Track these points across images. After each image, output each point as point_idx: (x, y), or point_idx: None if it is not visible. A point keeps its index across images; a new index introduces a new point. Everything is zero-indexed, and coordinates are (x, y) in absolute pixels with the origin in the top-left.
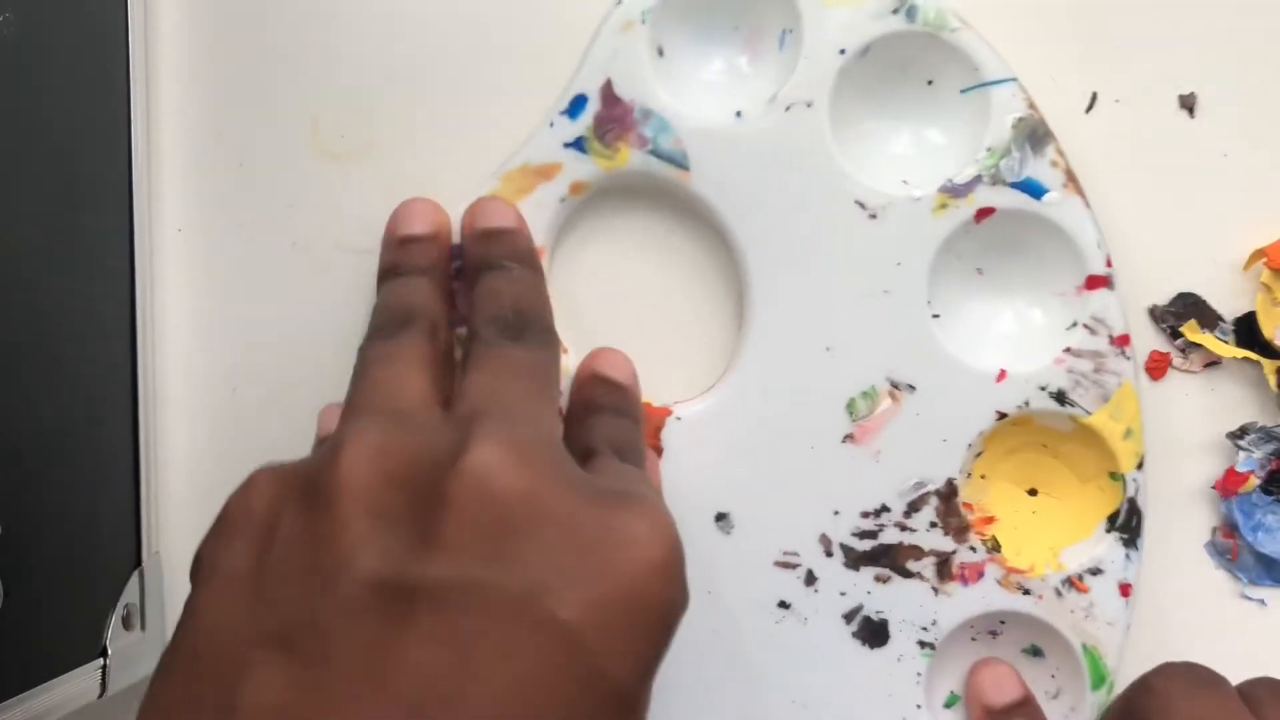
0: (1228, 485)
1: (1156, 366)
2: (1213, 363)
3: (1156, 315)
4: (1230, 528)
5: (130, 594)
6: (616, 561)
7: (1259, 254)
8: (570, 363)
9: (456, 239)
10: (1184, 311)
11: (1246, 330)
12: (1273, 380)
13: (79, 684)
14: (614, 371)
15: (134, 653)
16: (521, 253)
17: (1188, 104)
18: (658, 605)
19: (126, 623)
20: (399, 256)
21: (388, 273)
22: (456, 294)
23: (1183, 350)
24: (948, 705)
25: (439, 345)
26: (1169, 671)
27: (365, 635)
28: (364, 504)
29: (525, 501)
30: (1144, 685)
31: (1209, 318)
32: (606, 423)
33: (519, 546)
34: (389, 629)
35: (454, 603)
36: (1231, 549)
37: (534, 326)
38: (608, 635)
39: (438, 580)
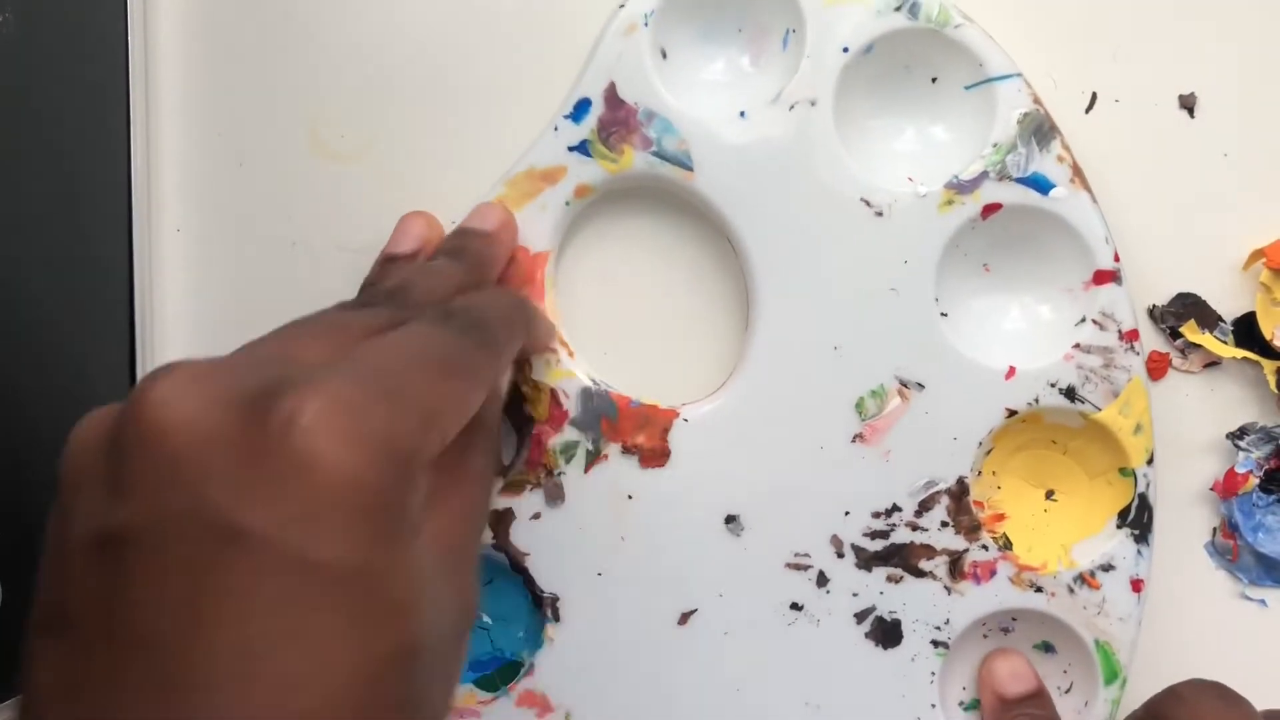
0: (1227, 487)
1: (1156, 367)
2: (1212, 363)
3: (1156, 315)
4: (1231, 528)
5: None
6: (280, 454)
7: (1258, 254)
8: (575, 367)
9: None
10: (1183, 311)
11: (1246, 330)
12: (1272, 380)
13: None
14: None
15: None
16: (462, 248)
17: (1188, 104)
18: (334, 479)
19: None
20: (374, 275)
21: (361, 289)
22: None
23: (1182, 350)
24: (966, 709)
25: None
26: (1197, 684)
27: (95, 593)
28: (77, 473)
29: (187, 429)
30: (1172, 692)
31: (1208, 318)
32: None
33: (188, 473)
34: (109, 582)
35: (153, 541)
36: (1232, 549)
37: (396, 299)
38: (299, 525)
39: (131, 524)
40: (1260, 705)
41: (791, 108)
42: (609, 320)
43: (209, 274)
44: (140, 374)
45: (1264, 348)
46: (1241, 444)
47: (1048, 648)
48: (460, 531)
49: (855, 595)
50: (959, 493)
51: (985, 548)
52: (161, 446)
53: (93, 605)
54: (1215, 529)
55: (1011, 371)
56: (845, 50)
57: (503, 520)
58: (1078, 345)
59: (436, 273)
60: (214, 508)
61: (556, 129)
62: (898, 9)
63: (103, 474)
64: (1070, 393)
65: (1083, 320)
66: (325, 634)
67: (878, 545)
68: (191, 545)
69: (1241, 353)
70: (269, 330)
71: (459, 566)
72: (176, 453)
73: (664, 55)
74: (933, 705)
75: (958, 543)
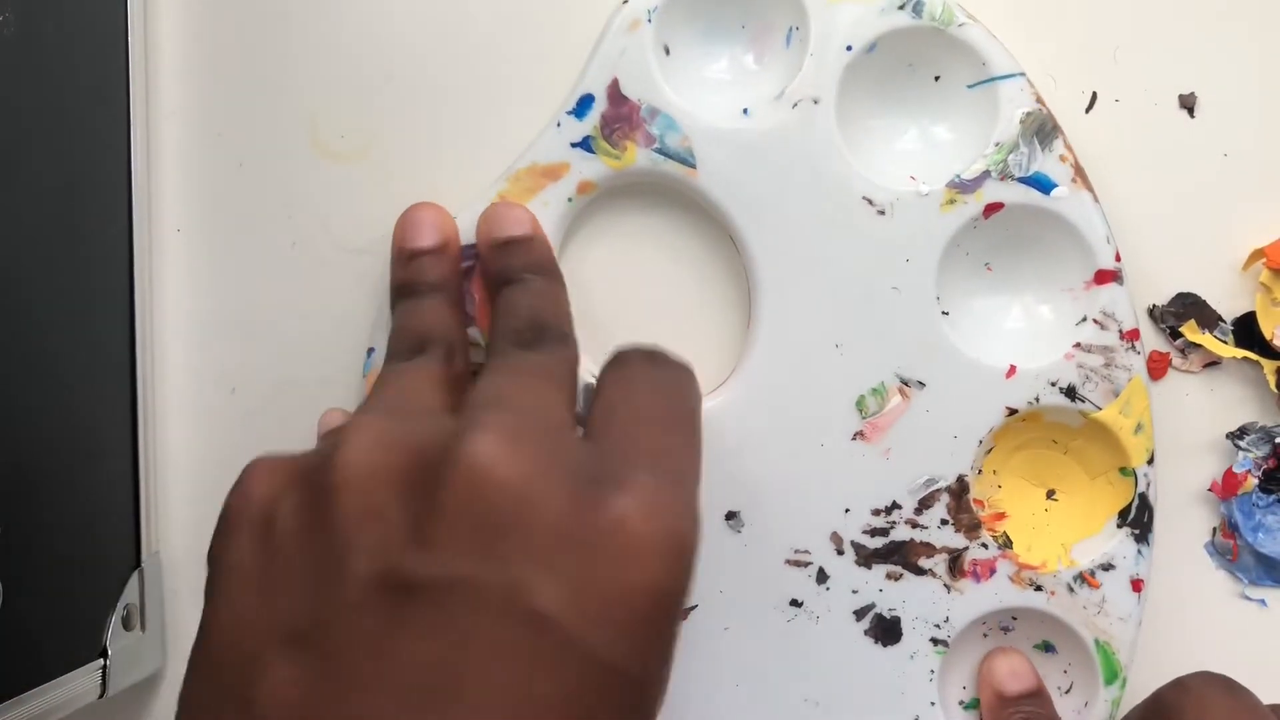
0: (1225, 487)
1: (1156, 367)
2: (1212, 363)
3: (1156, 315)
4: (1231, 528)
5: (130, 594)
6: (602, 550)
7: (1258, 254)
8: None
9: (465, 239)
10: (1183, 311)
11: (1246, 330)
12: (1272, 380)
13: (79, 684)
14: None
15: (134, 653)
16: (539, 263)
17: (1188, 104)
18: (647, 589)
19: (126, 623)
20: (411, 274)
21: (401, 291)
22: (465, 296)
23: (1182, 350)
24: (966, 708)
25: (455, 367)
26: (1204, 675)
27: (367, 630)
28: (363, 499)
29: (517, 496)
30: (1179, 684)
31: (1208, 318)
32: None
33: (508, 543)
34: (389, 624)
35: (447, 600)
36: (1232, 549)
37: (549, 335)
38: (598, 624)
39: (431, 578)
40: None
41: (794, 105)
42: (611, 317)
43: (209, 274)
44: (140, 374)
45: (1264, 348)
46: (1241, 444)
47: (1048, 647)
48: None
49: (855, 592)
50: (959, 491)
51: (985, 546)
52: (485, 512)
53: (365, 642)
54: (1215, 529)
55: (1012, 370)
56: (848, 48)
57: None
58: (1078, 344)
59: (553, 297)
60: (523, 587)
61: (559, 125)
62: (901, 7)
63: (404, 517)
64: (1071, 392)
65: (1084, 320)
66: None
67: (878, 543)
68: (490, 617)
69: (1241, 353)
70: (274, 331)
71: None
72: (498, 523)
73: (667, 52)
74: (932, 703)
75: (957, 541)
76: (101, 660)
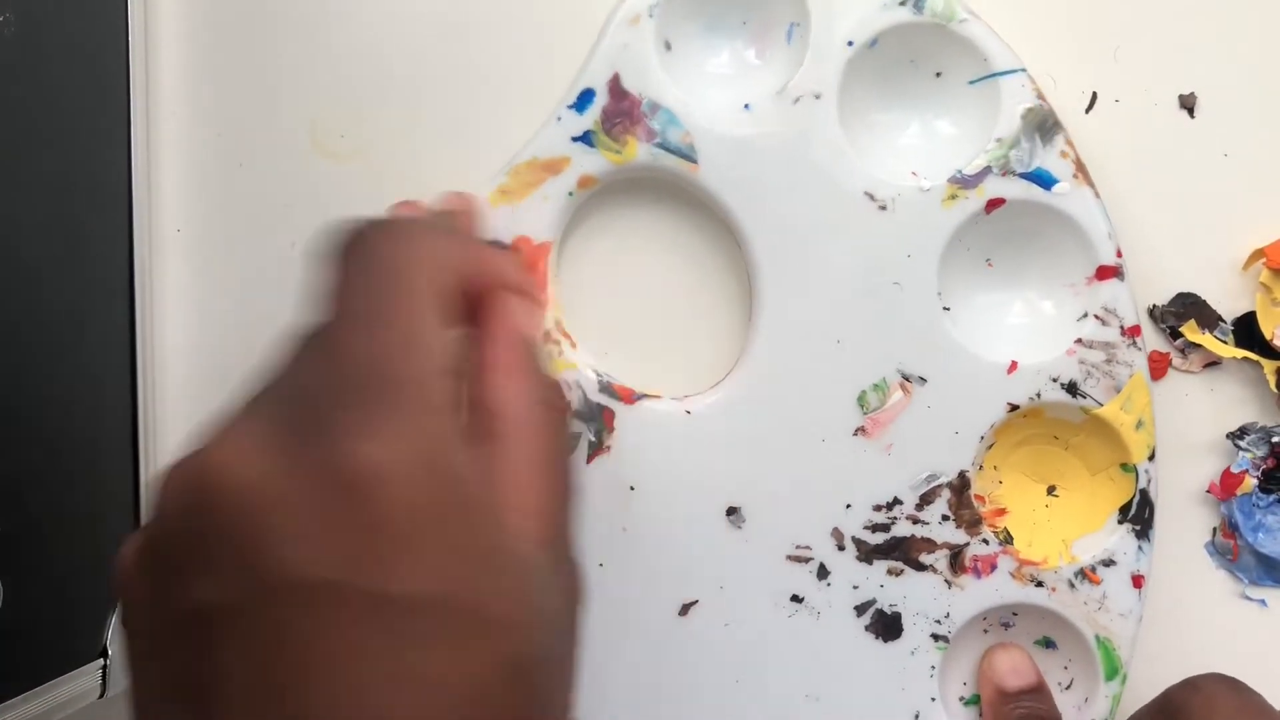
0: (1224, 487)
1: (1156, 367)
2: (1212, 363)
3: (1156, 315)
4: (1231, 528)
5: None
6: (335, 496)
7: (1259, 254)
8: (578, 358)
9: None
10: (1184, 311)
11: (1246, 330)
12: (1272, 380)
13: (79, 684)
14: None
15: None
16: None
17: (1188, 104)
18: (389, 505)
19: None
20: None
21: None
22: None
23: (1182, 350)
24: (966, 704)
25: None
26: (1213, 676)
27: (194, 669)
28: (169, 552)
29: (242, 505)
30: (1188, 683)
31: (1208, 318)
32: None
33: (256, 537)
34: (207, 657)
35: (236, 616)
36: (1232, 549)
37: None
38: (370, 564)
39: (213, 601)
40: None
41: (796, 101)
42: (611, 312)
43: (209, 274)
44: (140, 373)
45: (1264, 348)
46: (1242, 444)
47: (1048, 643)
48: (555, 521)
49: (856, 588)
50: (960, 487)
51: (986, 542)
52: (223, 516)
53: (190, 680)
54: (1215, 529)
55: (1014, 366)
56: (850, 44)
57: None
58: (1080, 340)
59: None
60: (284, 567)
61: (560, 119)
62: (903, 3)
63: (179, 553)
64: (1072, 388)
65: (1085, 315)
66: (429, 668)
67: (879, 538)
68: (274, 612)
69: (1241, 353)
70: (274, 331)
71: (561, 554)
72: (237, 521)
73: (668, 47)
74: (932, 699)
75: (958, 537)
76: (102, 660)
